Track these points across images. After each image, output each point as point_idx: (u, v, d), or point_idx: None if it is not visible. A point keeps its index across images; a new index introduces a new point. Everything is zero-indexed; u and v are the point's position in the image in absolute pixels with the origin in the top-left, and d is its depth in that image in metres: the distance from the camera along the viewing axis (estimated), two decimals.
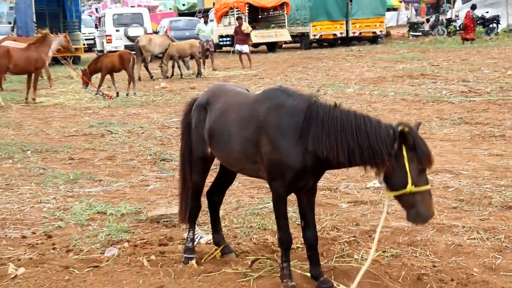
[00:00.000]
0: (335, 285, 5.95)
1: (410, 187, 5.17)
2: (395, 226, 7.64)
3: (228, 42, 42.75)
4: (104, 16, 41.62)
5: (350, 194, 9.17)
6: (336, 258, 6.66)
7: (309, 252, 6.01)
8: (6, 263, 6.84)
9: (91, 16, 52.00)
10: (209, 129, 6.19)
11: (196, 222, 7.02)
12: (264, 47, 43.62)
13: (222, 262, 6.66)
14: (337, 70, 27.38)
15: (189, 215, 6.80)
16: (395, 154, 5.20)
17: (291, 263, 6.00)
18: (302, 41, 43.27)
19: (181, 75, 27.88)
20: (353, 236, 7.34)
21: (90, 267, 6.66)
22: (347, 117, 5.37)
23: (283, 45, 44.52)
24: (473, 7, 40.76)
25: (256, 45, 41.61)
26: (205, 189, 6.91)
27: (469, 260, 6.54)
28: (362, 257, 6.66)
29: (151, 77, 27.84)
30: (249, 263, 6.59)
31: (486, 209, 8.23)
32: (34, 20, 37.21)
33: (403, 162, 5.18)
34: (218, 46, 42.71)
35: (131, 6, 51.61)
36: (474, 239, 7.15)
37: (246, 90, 6.75)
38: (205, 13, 40.22)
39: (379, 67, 27.31)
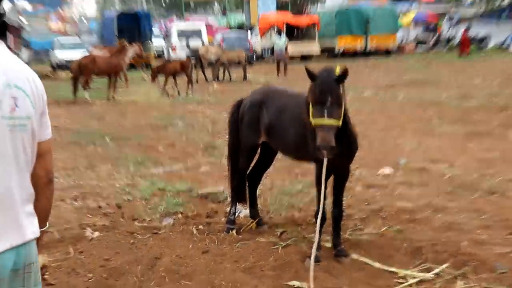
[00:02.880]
0: (348, 253, 5.93)
1: (311, 119, 5.07)
2: (400, 206, 7.57)
3: (268, 53, 42.47)
4: (170, 30, 41.87)
5: (363, 179, 9.09)
6: (349, 232, 6.61)
7: (334, 225, 5.96)
8: (85, 228, 6.94)
9: (161, 30, 51.98)
10: (269, 124, 6.17)
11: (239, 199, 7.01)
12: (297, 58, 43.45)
13: (256, 233, 6.70)
14: (356, 77, 27.16)
15: (235, 192, 6.82)
16: None
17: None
18: (328, 52, 43.02)
19: (230, 78, 27.82)
20: (365, 214, 7.29)
21: (150, 233, 6.73)
22: None
23: (313, 57, 44.34)
24: (468, 28, 40.72)
25: (291, 57, 41.42)
26: None
27: (459, 235, 6.45)
28: (371, 231, 6.62)
29: (206, 80, 27.89)
30: (279, 234, 6.59)
31: (474, 193, 8.10)
32: (116, 34, 37.57)
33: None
34: (261, 57, 42.61)
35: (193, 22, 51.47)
36: (464, 218, 7.06)
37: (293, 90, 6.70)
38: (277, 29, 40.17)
39: (392, 76, 27.08)
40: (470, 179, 8.86)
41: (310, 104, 5.08)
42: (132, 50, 22.35)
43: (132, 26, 39.72)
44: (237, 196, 6.82)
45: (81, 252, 6.22)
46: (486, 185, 8.44)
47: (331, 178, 5.92)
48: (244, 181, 6.83)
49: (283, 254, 5.99)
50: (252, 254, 6.03)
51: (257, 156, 6.91)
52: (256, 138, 6.39)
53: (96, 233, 6.72)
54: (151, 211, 7.60)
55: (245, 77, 27.65)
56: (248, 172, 6.87)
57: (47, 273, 5.68)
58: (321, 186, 5.70)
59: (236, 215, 7.03)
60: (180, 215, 7.38)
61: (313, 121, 5.02)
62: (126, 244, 6.38)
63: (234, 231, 6.65)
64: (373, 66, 33.97)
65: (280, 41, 30.13)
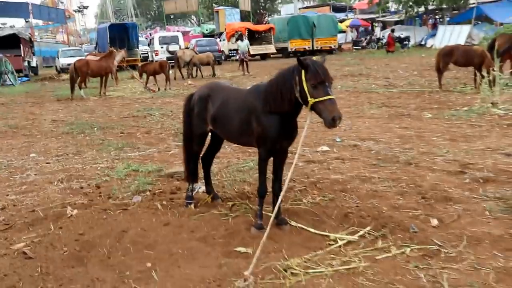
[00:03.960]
0: (288, 221, 5.58)
1: (310, 99, 4.73)
2: (333, 178, 7.23)
3: (234, 54, 42.10)
4: (153, 38, 41.30)
5: (305, 156, 8.73)
6: (290, 202, 6.26)
7: (274, 198, 5.58)
8: (66, 206, 6.48)
9: (146, 38, 51.20)
10: (214, 115, 5.75)
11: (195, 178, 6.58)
12: (258, 57, 43.14)
13: (211, 206, 6.29)
14: None
15: (190, 172, 6.42)
16: (299, 79, 4.83)
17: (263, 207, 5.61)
18: (283, 52, 42.87)
19: (202, 75, 27.35)
20: (304, 186, 6.92)
21: (121, 209, 6.29)
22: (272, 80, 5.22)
23: (271, 55, 43.93)
24: (393, 30, 41.63)
25: (252, 55, 41.27)
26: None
27: (381, 202, 6.16)
28: (308, 201, 6.28)
29: (183, 77, 27.42)
30: (230, 206, 6.21)
31: (394, 165, 7.82)
32: (108, 41, 36.94)
33: (302, 82, 4.78)
34: (228, 57, 42.26)
35: (172, 31, 50.93)
36: (385, 186, 6.77)
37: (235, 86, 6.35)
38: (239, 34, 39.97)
39: (332, 69, 26.54)
40: (391, 153, 8.59)
41: (309, 85, 4.72)
42: (119, 55, 21.89)
43: (121, 35, 39.26)
44: (192, 175, 6.42)
45: (61, 228, 5.78)
46: (404, 158, 8.16)
47: (273, 159, 5.58)
48: (197, 163, 6.44)
49: (233, 224, 5.65)
50: (206, 225, 5.66)
51: (209, 142, 6.53)
52: (204, 127, 6.01)
53: (75, 211, 6.26)
54: (124, 189, 7.13)
55: (213, 74, 27.26)
56: (201, 156, 6.47)
57: (27, 248, 5.27)
58: (265, 165, 5.46)
59: (195, 192, 6.66)
60: (148, 193, 6.93)
61: (319, 98, 4.68)
62: (99, 220, 5.94)
63: (192, 205, 6.25)
64: None
65: (243, 44, 29.63)
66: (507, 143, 8.73)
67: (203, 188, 6.77)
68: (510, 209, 5.63)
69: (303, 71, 4.79)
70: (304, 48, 42.76)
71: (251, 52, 40.39)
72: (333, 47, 44.62)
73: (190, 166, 6.41)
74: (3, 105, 19.22)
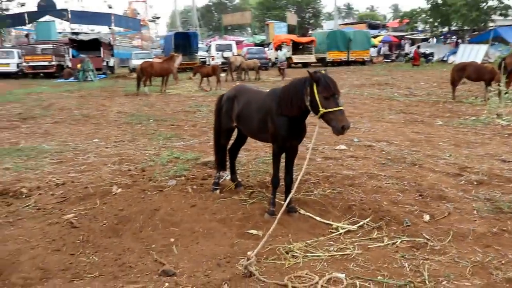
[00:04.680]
0: (298, 209, 5.48)
1: (322, 109, 4.62)
2: (345, 174, 7.04)
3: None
4: (211, 45, 41.45)
5: (323, 153, 8.56)
6: (302, 193, 6.13)
7: (286, 189, 5.49)
8: (113, 185, 6.53)
9: (206, 45, 51.43)
10: (238, 113, 5.72)
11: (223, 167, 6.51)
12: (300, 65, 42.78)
13: (234, 192, 6.23)
14: (338, 79, 26.40)
15: (218, 162, 6.37)
16: (310, 90, 4.73)
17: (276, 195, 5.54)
18: (322, 62, 42.34)
19: (249, 79, 27.24)
20: (317, 179, 6.77)
21: (157, 190, 6.28)
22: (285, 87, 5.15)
23: (312, 64, 43.41)
24: (419, 47, 40.45)
25: (295, 63, 40.96)
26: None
27: (383, 197, 5.97)
28: (318, 193, 6.13)
29: (233, 79, 27.37)
30: (249, 193, 6.13)
31: (401, 165, 7.56)
32: (173, 47, 37.24)
33: (314, 94, 4.67)
34: (275, 64, 42.04)
35: (228, 40, 50.96)
36: (389, 183, 6.55)
37: (258, 89, 6.23)
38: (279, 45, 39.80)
39: (363, 79, 26.27)
40: (400, 154, 8.31)
41: (321, 97, 4.64)
42: (179, 59, 21.94)
43: (184, 42, 39.51)
44: (220, 165, 6.37)
45: (105, 203, 5.84)
46: (410, 159, 7.89)
47: (285, 155, 5.49)
48: (225, 154, 6.38)
49: (249, 209, 5.58)
50: (227, 208, 5.60)
51: (235, 137, 6.46)
52: (230, 123, 5.96)
53: (120, 190, 6.31)
54: (164, 173, 7.13)
55: (258, 78, 27.11)
56: (228, 148, 6.41)
57: (75, 218, 5.33)
58: (278, 159, 5.43)
59: (223, 179, 6.61)
60: (183, 178, 6.90)
61: (331, 109, 4.61)
62: (138, 198, 5.95)
63: (217, 191, 6.19)
64: (352, 72, 33.04)
65: (281, 53, 29.30)
66: (506, 151, 8.33)
67: (230, 176, 6.72)
68: (497, 210, 5.36)
69: (314, 84, 4.67)
70: (340, 59, 42.03)
71: (295, 61, 40.36)
72: (365, 59, 43.68)
73: (218, 156, 6.37)
74: (82, 97, 19.64)
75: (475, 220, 5.12)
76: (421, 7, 45.83)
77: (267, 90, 5.66)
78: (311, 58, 42.27)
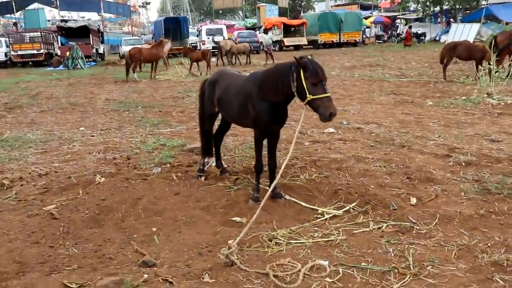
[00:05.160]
0: (283, 195, 5.37)
1: (309, 96, 4.49)
2: (332, 158, 6.91)
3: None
4: (201, 29, 41.05)
5: (312, 136, 8.45)
6: (288, 178, 6.00)
7: (270, 174, 5.40)
8: (96, 174, 6.40)
9: (197, 30, 50.93)
10: (218, 98, 5.59)
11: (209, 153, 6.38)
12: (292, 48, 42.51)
13: (219, 179, 6.08)
14: (329, 60, 26.24)
15: (203, 148, 6.25)
16: (297, 76, 4.58)
17: (260, 181, 5.44)
18: (313, 44, 42.03)
19: (240, 63, 27.00)
20: (304, 163, 6.63)
21: (141, 179, 6.15)
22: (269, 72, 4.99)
23: (303, 47, 43.04)
24: (410, 27, 40.28)
25: (287, 46, 40.67)
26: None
27: (369, 180, 5.85)
28: (304, 177, 6.01)
29: (223, 64, 27.14)
30: (234, 180, 6.01)
31: (389, 147, 7.46)
32: (163, 32, 36.90)
33: (301, 80, 4.53)
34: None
35: (219, 24, 50.43)
36: (377, 166, 6.43)
37: (240, 73, 6.08)
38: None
39: (354, 60, 26.09)
40: (389, 136, 8.20)
41: (308, 83, 4.50)
42: (168, 45, 21.68)
43: (174, 27, 39.15)
44: (205, 151, 6.24)
45: (87, 193, 5.70)
46: (399, 140, 7.79)
47: (267, 140, 5.38)
48: (210, 140, 6.24)
49: (234, 196, 5.46)
50: (211, 195, 5.48)
51: (219, 123, 6.34)
52: (213, 108, 5.83)
53: (103, 179, 6.16)
54: (149, 161, 6.99)
55: (249, 62, 26.87)
56: (213, 134, 6.28)
57: (56, 209, 5.21)
58: (260, 145, 5.31)
59: (208, 166, 6.49)
60: (168, 165, 6.77)
61: (318, 95, 4.48)
62: (121, 187, 5.81)
63: (202, 178, 6.07)
64: (343, 53, 32.82)
65: (267, 37, 28.85)
66: (495, 130, 8.24)
67: (215, 162, 6.60)
68: (484, 191, 5.27)
69: (301, 70, 4.54)
70: (332, 41, 41.80)
71: (286, 43, 40.11)
72: (357, 40, 43.45)
73: (203, 142, 6.25)
74: (70, 85, 19.40)
75: (463, 202, 5.03)
76: None
77: (247, 74, 5.53)
78: (303, 40, 42.06)
